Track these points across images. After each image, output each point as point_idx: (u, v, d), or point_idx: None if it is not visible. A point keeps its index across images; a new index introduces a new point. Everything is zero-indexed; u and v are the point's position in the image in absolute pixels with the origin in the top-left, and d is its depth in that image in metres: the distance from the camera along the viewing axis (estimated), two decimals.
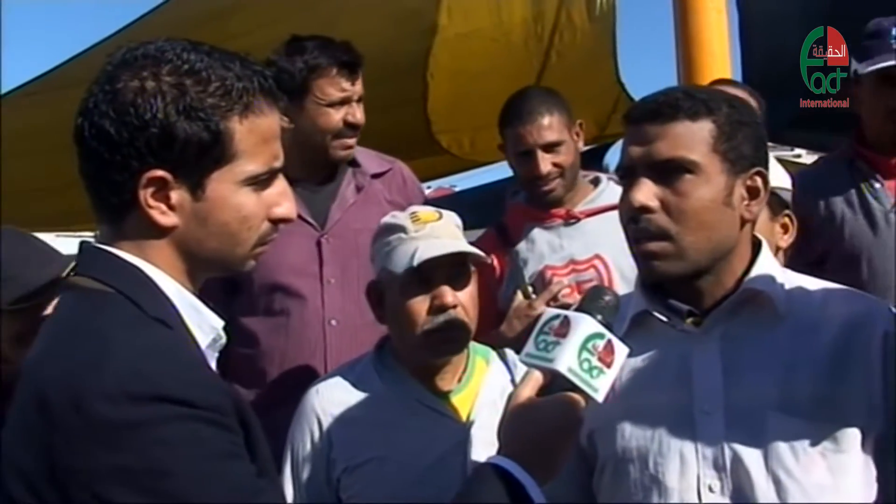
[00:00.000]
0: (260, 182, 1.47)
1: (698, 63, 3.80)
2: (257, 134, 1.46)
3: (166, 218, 1.43)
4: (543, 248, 3.13)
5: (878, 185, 3.12)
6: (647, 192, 1.72)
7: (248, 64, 1.47)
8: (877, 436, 1.70)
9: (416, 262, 2.14)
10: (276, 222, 1.52)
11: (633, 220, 1.75)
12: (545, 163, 3.06)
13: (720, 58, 3.83)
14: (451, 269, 2.21)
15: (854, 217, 3.11)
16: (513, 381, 2.34)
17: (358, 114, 3.10)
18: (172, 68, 1.41)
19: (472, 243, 3.38)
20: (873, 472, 1.71)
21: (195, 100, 1.40)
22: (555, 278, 3.02)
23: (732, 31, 4.12)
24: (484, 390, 2.30)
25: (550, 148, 3.07)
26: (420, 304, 2.19)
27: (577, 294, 2.96)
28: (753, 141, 1.77)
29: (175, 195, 1.42)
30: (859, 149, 3.19)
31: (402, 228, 2.23)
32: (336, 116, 3.06)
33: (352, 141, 3.13)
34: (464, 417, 2.26)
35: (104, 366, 1.31)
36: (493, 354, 2.43)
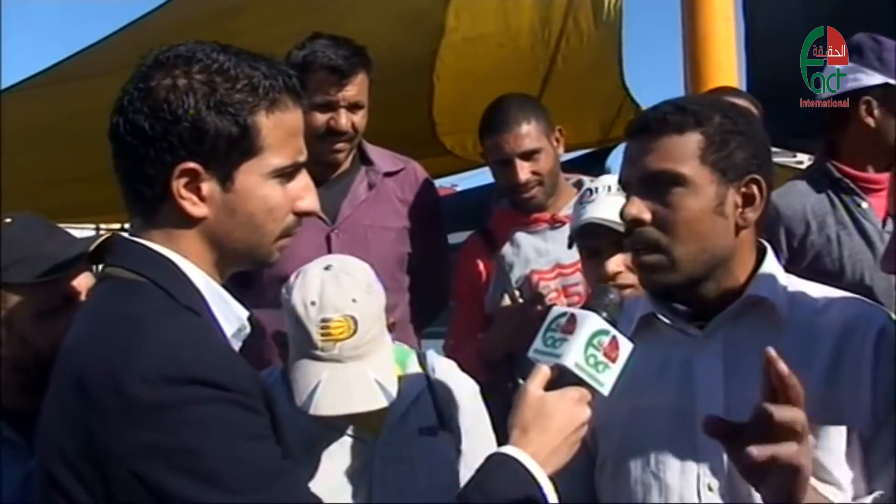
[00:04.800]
0: (285, 175, 1.55)
1: (704, 70, 3.80)
2: (283, 128, 1.53)
3: (197, 209, 1.50)
4: (529, 252, 3.14)
5: (864, 204, 3.10)
6: (638, 206, 1.78)
7: (273, 64, 1.56)
8: (865, 430, 1.72)
9: (311, 412, 2.05)
10: (299, 215, 1.59)
11: (629, 232, 1.81)
12: (524, 171, 3.07)
13: (726, 65, 3.83)
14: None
15: (850, 238, 3.09)
16: (429, 385, 2.33)
17: (343, 121, 3.05)
18: (203, 67, 1.50)
19: (459, 246, 3.41)
20: (857, 465, 1.72)
21: (224, 96, 1.48)
22: (542, 282, 3.04)
23: (739, 38, 4.12)
24: (394, 405, 2.21)
25: (528, 156, 3.08)
26: None
27: (563, 298, 2.98)
28: (749, 149, 1.79)
29: (206, 187, 1.50)
30: (838, 166, 3.16)
31: (308, 339, 2.07)
32: (319, 119, 3.04)
33: (339, 146, 3.11)
34: (371, 435, 2.23)
35: (140, 350, 1.38)
36: (411, 358, 2.38)
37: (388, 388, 2.09)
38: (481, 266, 3.23)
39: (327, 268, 2.15)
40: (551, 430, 1.57)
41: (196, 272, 1.53)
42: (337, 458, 2.21)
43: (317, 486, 2.12)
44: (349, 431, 2.23)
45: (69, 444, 1.39)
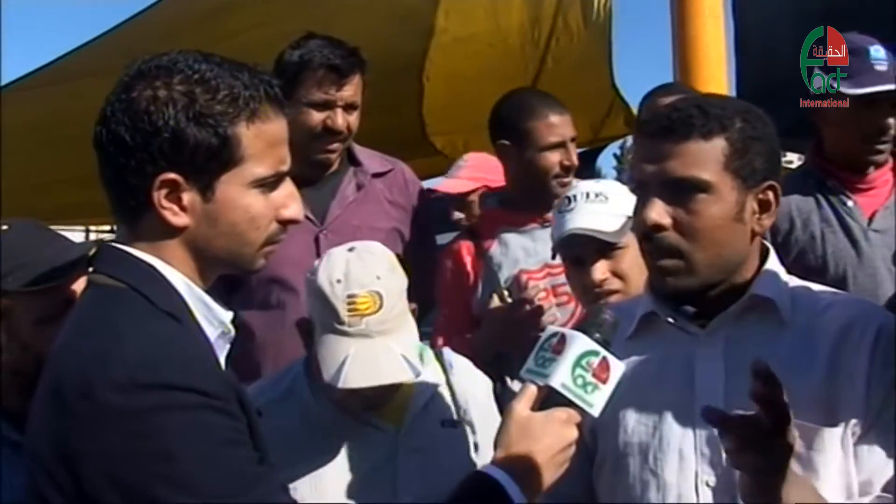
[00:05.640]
0: (267, 184, 1.55)
1: (694, 68, 3.80)
2: (264, 139, 1.53)
3: (178, 218, 1.51)
4: (518, 252, 3.14)
5: (850, 203, 3.11)
6: (659, 211, 1.75)
7: (256, 73, 1.55)
8: (861, 425, 1.72)
9: (340, 385, 2.07)
10: (283, 223, 1.59)
11: (647, 236, 1.78)
12: (574, 155, 3.12)
13: (716, 64, 3.83)
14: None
15: (834, 236, 3.10)
16: (448, 382, 2.35)
17: (339, 120, 3.05)
18: (183, 78, 1.50)
19: (444, 246, 3.41)
20: (851, 465, 1.72)
21: (204, 107, 1.49)
22: (531, 282, 3.03)
23: (728, 37, 4.12)
24: (414, 397, 2.28)
25: (573, 141, 3.14)
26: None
27: (552, 298, 2.98)
28: (766, 154, 1.78)
29: (187, 197, 1.50)
30: (825, 165, 3.18)
31: (335, 315, 2.10)
32: (315, 118, 3.03)
33: (334, 146, 3.10)
34: (394, 426, 2.25)
35: (112, 356, 1.39)
36: (428, 355, 2.40)
37: (414, 364, 2.13)
38: (468, 266, 3.22)
39: (351, 249, 2.20)
40: (535, 451, 1.55)
41: (178, 277, 1.53)
42: (359, 449, 2.22)
43: (340, 476, 2.18)
44: (372, 421, 2.24)
45: (47, 451, 1.41)
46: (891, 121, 3.04)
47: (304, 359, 2.35)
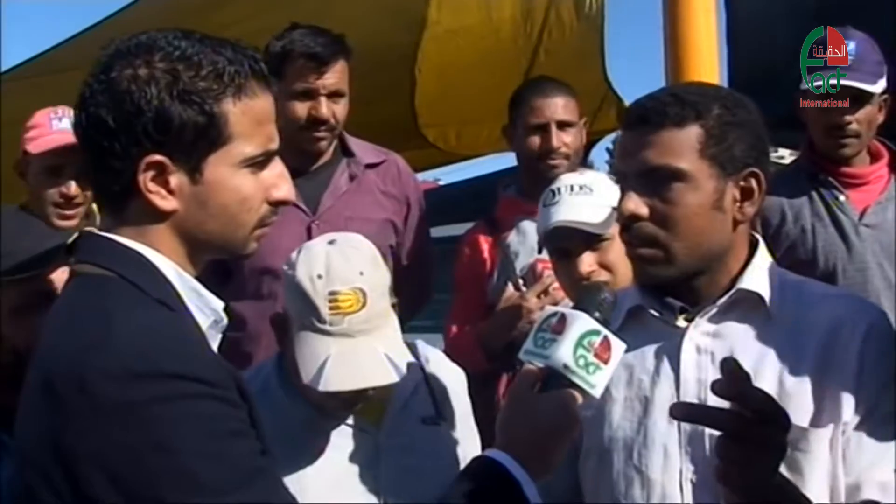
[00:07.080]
0: (257, 164, 1.50)
1: (686, 63, 3.78)
2: (251, 116, 1.48)
3: (166, 202, 1.45)
4: (534, 241, 3.12)
5: (842, 198, 3.15)
6: (636, 201, 1.74)
7: (239, 49, 1.49)
8: (850, 426, 1.70)
9: (321, 388, 1.97)
10: (275, 204, 1.54)
11: (625, 227, 1.77)
12: (557, 138, 3.16)
13: (708, 58, 3.82)
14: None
15: (825, 230, 3.14)
16: (425, 378, 2.27)
17: (324, 109, 3.04)
18: (164, 55, 1.44)
19: (462, 235, 3.41)
20: (839, 467, 1.70)
21: (188, 84, 1.43)
22: (546, 271, 3.02)
23: (720, 31, 4.13)
24: (393, 394, 2.19)
25: (563, 126, 3.18)
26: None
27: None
28: (748, 141, 1.76)
29: (174, 179, 1.45)
30: (817, 160, 3.22)
31: (315, 313, 1.99)
32: (299, 108, 3.03)
33: (321, 135, 3.09)
34: (374, 425, 2.17)
35: (106, 346, 1.33)
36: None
37: (398, 364, 2.03)
38: (485, 253, 3.24)
39: (331, 242, 2.10)
40: (539, 433, 1.52)
41: (168, 265, 1.48)
42: (339, 449, 2.13)
43: (321, 476, 2.08)
44: (349, 420, 2.16)
45: (40, 451, 1.34)
46: (847, 117, 3.09)
47: (276, 356, 2.25)
